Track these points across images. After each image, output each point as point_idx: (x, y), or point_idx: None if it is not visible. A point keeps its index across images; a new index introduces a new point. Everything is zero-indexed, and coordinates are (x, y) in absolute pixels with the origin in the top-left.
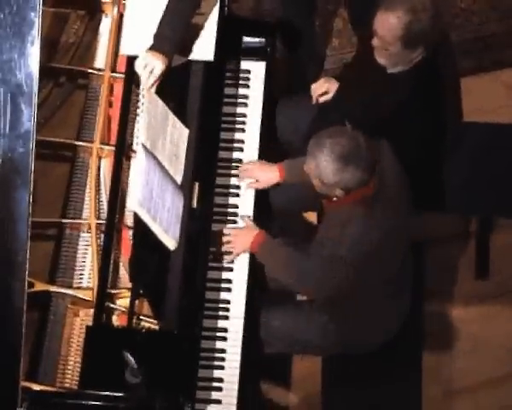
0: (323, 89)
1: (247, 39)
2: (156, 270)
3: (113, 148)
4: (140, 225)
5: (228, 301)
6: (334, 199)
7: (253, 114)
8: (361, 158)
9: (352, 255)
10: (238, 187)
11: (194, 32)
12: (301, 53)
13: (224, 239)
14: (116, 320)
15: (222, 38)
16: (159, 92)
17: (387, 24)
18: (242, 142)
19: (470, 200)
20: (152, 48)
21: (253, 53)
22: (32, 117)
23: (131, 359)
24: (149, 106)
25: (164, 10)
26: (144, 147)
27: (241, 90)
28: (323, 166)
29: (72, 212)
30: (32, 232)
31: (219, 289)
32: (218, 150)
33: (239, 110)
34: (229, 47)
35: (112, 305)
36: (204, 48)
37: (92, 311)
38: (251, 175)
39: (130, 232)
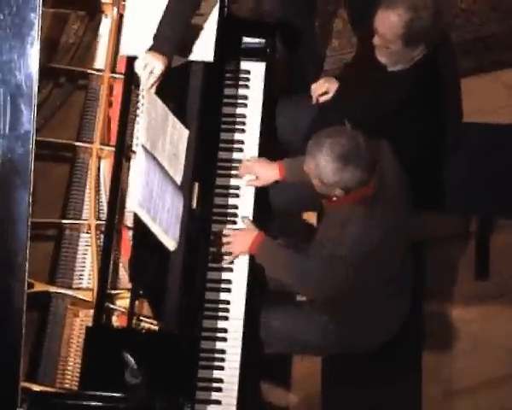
0: (323, 89)
1: (246, 40)
2: (156, 270)
3: (113, 148)
4: (140, 226)
5: (228, 302)
6: (334, 199)
7: (252, 114)
8: (360, 158)
9: (352, 255)
10: (238, 188)
11: (194, 32)
12: (301, 53)
13: (224, 240)
14: (116, 321)
15: (222, 39)
16: (158, 93)
17: (388, 22)
18: (242, 142)
19: (470, 200)
20: (152, 48)
21: (253, 53)
22: (31, 118)
23: (131, 359)
24: (149, 106)
25: (164, 11)
26: (144, 147)
27: (241, 91)
28: (323, 165)
29: (71, 212)
30: (32, 233)
31: (219, 290)
32: (217, 151)
33: (239, 111)
34: (228, 47)
35: (112, 306)
36: (204, 48)
37: (92, 311)
38: (251, 172)
39: (130, 233)
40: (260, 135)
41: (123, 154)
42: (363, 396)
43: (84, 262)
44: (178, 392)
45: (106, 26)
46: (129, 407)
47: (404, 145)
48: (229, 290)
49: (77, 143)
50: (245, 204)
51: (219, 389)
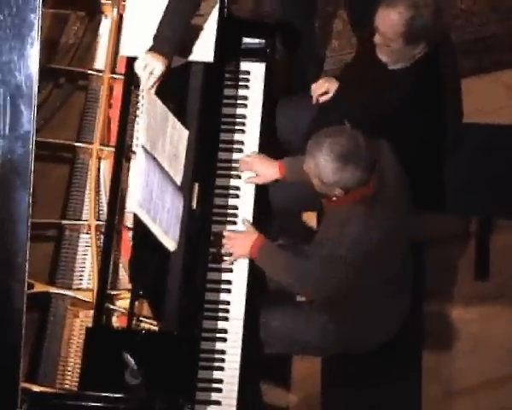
0: (323, 89)
1: (246, 40)
2: (156, 271)
3: (113, 149)
4: (140, 227)
5: (228, 302)
6: (334, 199)
7: (252, 115)
8: (360, 157)
9: (352, 255)
10: (238, 188)
11: (194, 33)
12: (301, 54)
13: (223, 243)
14: (116, 321)
15: (222, 39)
16: (158, 93)
17: (389, 20)
18: (242, 143)
19: (470, 200)
20: (152, 49)
21: (253, 54)
22: (31, 118)
23: (131, 360)
24: (149, 107)
25: (164, 11)
26: (144, 148)
27: (241, 91)
28: (323, 165)
29: (71, 213)
30: (32, 233)
31: (219, 290)
32: (217, 151)
33: (239, 111)
34: (228, 48)
35: (112, 306)
36: (204, 49)
37: (92, 312)
38: (251, 168)
39: (130, 233)
40: (260, 135)
41: (123, 154)
42: (363, 396)
43: (84, 263)
44: (178, 393)
45: (106, 27)
46: (129, 407)
47: (404, 145)
48: (229, 291)
49: (77, 144)
50: (245, 205)
51: (219, 390)
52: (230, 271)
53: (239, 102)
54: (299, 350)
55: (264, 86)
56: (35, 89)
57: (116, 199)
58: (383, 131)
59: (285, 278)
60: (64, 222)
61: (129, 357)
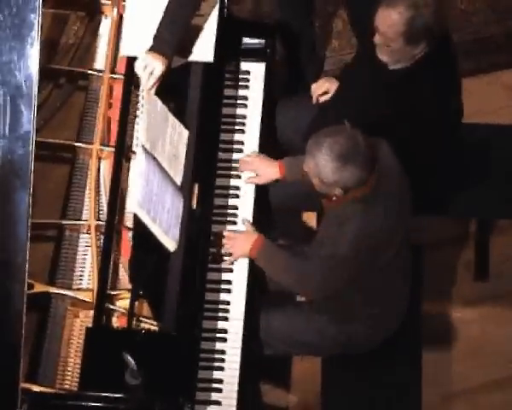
0: (323, 89)
1: (246, 40)
2: (156, 271)
3: (113, 149)
4: (140, 227)
5: (227, 303)
6: (334, 198)
7: (252, 115)
8: (360, 157)
9: (351, 253)
10: (238, 188)
11: (194, 33)
12: (301, 54)
13: (223, 243)
14: (116, 322)
15: (221, 40)
16: (158, 93)
17: (389, 20)
18: (242, 143)
19: (470, 201)
20: (152, 49)
21: (253, 54)
22: (31, 118)
23: (131, 360)
24: (149, 107)
25: (164, 11)
26: (144, 148)
27: (241, 92)
28: (322, 165)
29: (71, 213)
30: (32, 234)
31: (219, 291)
32: (217, 151)
33: (239, 111)
34: (228, 48)
35: (112, 306)
36: (204, 49)
37: (92, 312)
38: (251, 168)
39: (130, 234)
40: (260, 135)
41: (123, 154)
42: (363, 396)
43: (84, 263)
44: (178, 393)
45: (106, 27)
46: (129, 407)
47: (405, 145)
48: (229, 291)
49: (77, 144)
50: (245, 205)
51: (219, 390)
52: (230, 271)
53: (239, 102)
54: (299, 350)
55: (264, 86)
56: (35, 89)
57: (116, 199)
58: (383, 130)
59: (285, 279)
60: (64, 222)
61: (129, 357)
